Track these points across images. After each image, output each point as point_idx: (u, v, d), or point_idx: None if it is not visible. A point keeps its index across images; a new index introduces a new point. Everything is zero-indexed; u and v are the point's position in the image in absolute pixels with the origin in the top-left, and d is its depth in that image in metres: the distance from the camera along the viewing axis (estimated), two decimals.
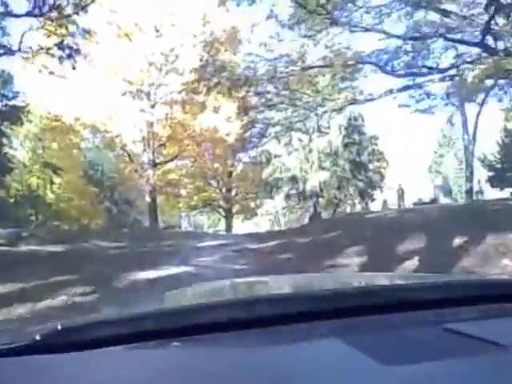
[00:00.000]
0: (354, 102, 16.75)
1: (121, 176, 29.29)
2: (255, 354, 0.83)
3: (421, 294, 1.06)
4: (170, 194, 28.59)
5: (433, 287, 1.16)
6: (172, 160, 25.91)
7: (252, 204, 34.08)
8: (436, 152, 47.89)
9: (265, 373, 0.73)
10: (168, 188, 27.57)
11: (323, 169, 26.93)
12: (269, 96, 17.75)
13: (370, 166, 28.67)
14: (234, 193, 33.01)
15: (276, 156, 28.96)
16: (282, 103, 17.36)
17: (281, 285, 1.79)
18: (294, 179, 28.19)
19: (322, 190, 27.17)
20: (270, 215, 54.02)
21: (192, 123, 22.84)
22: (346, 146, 27.70)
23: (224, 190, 32.86)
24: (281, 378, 0.71)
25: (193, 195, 32.01)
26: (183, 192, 31.66)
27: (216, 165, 30.33)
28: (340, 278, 2.38)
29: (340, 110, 17.38)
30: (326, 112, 17.19)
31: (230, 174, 31.19)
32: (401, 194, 25.41)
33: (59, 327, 0.92)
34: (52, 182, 27.95)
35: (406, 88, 15.72)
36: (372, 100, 16.19)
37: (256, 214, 36.29)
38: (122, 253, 11.56)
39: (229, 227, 33.62)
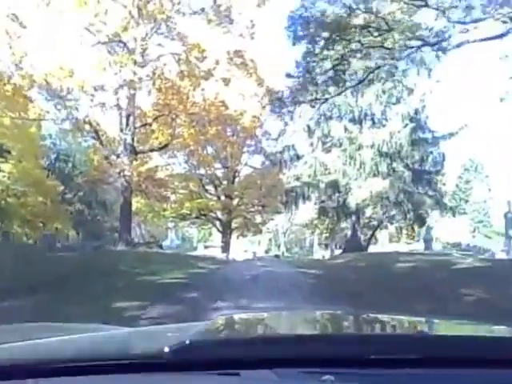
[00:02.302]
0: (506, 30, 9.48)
1: (92, 168, 22.32)
2: None
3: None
4: (154, 197, 21.54)
5: None
6: (160, 149, 18.91)
7: (258, 218, 26.91)
8: None
9: None
10: (153, 188, 20.55)
11: (375, 175, 19.24)
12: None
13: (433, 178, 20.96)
14: (235, 202, 26.04)
15: (300, 156, 21.35)
16: (350, 40, 10.22)
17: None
18: (333, 187, 20.32)
19: (367, 206, 19.54)
20: (270, 233, 47.09)
21: (191, 93, 15.85)
22: (412, 144, 19.93)
23: (223, 197, 25.94)
24: None
25: (184, 201, 24.96)
26: (172, 197, 24.62)
27: (217, 164, 23.50)
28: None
29: (458, 46, 10.34)
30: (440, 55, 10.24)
31: (234, 176, 24.24)
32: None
33: (188, 342, 0.92)
34: None
35: None
36: None
37: (261, 232, 29.19)
38: None
39: (226, 245, 26.67)
